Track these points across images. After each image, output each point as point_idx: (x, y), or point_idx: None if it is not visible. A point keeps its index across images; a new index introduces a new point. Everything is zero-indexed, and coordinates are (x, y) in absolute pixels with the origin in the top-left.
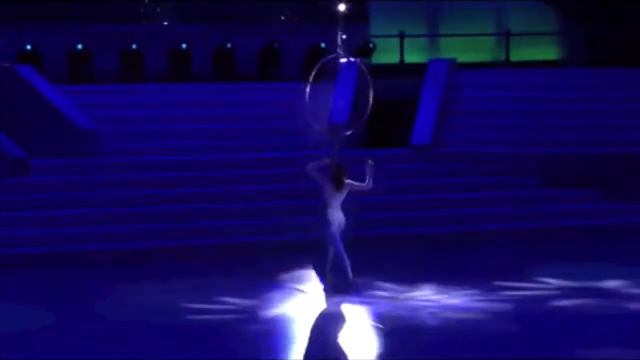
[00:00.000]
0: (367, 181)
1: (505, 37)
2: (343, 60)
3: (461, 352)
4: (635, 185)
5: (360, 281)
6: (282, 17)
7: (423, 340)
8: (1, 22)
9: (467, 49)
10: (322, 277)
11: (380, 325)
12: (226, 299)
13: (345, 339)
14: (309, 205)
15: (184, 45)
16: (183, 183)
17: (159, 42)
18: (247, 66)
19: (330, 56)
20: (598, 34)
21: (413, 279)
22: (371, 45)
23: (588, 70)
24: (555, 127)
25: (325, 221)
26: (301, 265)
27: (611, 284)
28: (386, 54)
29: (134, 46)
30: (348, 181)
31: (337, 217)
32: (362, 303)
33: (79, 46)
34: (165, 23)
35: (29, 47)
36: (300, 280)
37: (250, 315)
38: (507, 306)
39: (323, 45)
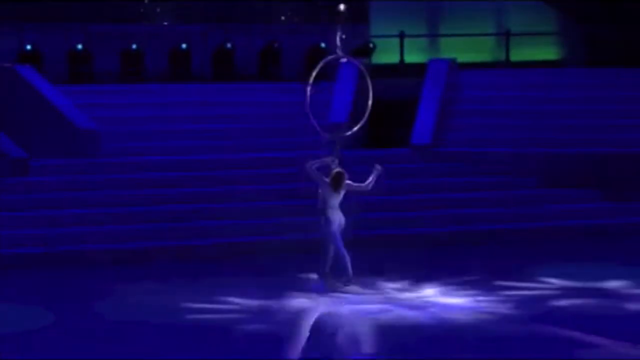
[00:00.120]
0: (368, 181)
1: (505, 37)
2: (343, 60)
3: (461, 352)
4: (635, 185)
5: (360, 281)
6: (282, 17)
7: (423, 340)
8: (1, 22)
9: (467, 49)
10: (322, 277)
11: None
12: (226, 299)
13: (345, 339)
14: (309, 205)
15: (184, 45)
16: (183, 183)
17: (159, 42)
18: (247, 66)
19: (330, 57)
20: (598, 34)
21: (413, 279)
22: (371, 45)
23: (588, 70)
24: (555, 127)
25: (325, 221)
26: (301, 265)
27: (611, 284)
28: (386, 54)
29: (134, 46)
30: (347, 182)
31: (336, 216)
32: (362, 303)
33: (79, 46)
34: (165, 23)
35: (29, 47)
36: (300, 280)
37: (251, 315)
38: (507, 306)
39: (323, 45)
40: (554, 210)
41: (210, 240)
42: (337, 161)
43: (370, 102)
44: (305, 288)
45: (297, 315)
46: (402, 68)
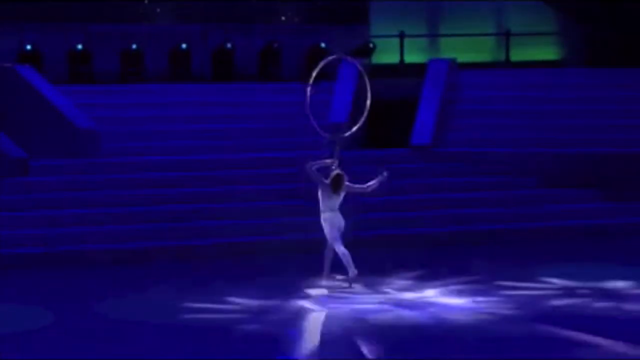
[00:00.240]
0: (368, 184)
1: (505, 37)
2: (343, 60)
3: (461, 352)
4: (635, 185)
5: (360, 281)
6: (282, 18)
7: (423, 340)
8: (1, 22)
9: (467, 49)
10: (324, 277)
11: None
12: (226, 299)
13: (345, 339)
14: (309, 205)
15: (184, 45)
16: (183, 183)
17: (159, 42)
18: (247, 66)
19: (330, 57)
20: (598, 34)
21: (413, 279)
22: (371, 45)
23: (588, 70)
24: (555, 127)
25: (324, 222)
26: (301, 265)
27: (611, 284)
28: (386, 54)
29: (134, 46)
30: (346, 183)
31: (336, 218)
32: (361, 303)
33: (79, 46)
34: (165, 23)
35: (29, 47)
36: (300, 280)
37: (250, 316)
38: (507, 306)
39: (323, 45)
40: (554, 210)
41: (210, 240)
42: (337, 162)
43: (368, 102)
44: (305, 288)
45: (297, 316)
46: (402, 68)
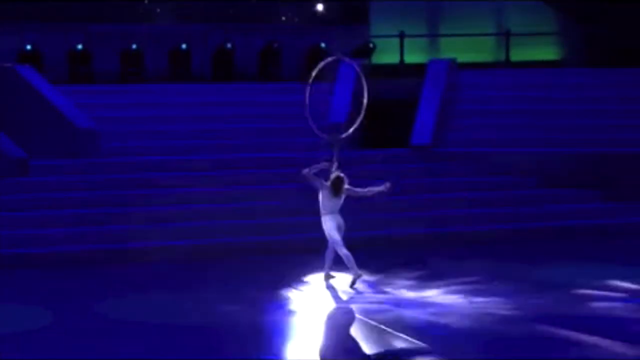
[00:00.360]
0: (369, 189)
1: (505, 37)
2: (342, 60)
3: (461, 352)
4: (635, 185)
5: (360, 281)
6: (282, 18)
7: (422, 340)
8: (1, 22)
9: (467, 49)
10: (325, 277)
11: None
12: (226, 299)
13: (345, 339)
14: (309, 206)
15: (184, 46)
16: (183, 183)
17: (159, 42)
18: (247, 66)
19: (330, 58)
20: (598, 34)
21: (413, 278)
22: (371, 45)
23: (588, 70)
24: (555, 127)
25: (325, 224)
26: (301, 265)
27: (611, 284)
28: (386, 54)
29: (134, 46)
30: (346, 186)
31: (336, 219)
32: (362, 303)
33: (79, 46)
34: (165, 23)
35: (29, 47)
36: (300, 280)
37: (250, 315)
38: (507, 306)
39: (323, 45)
40: (554, 210)
41: (210, 240)
42: (336, 164)
43: (365, 102)
44: (305, 288)
45: (298, 316)
46: (402, 68)
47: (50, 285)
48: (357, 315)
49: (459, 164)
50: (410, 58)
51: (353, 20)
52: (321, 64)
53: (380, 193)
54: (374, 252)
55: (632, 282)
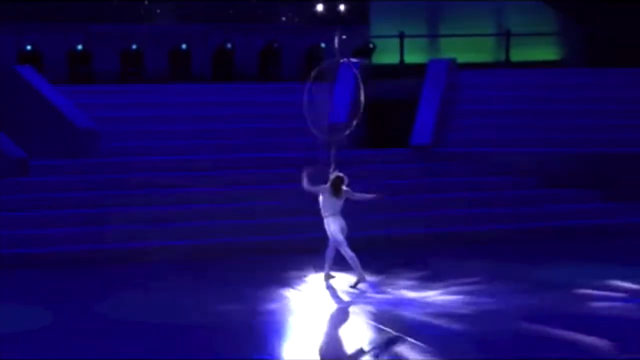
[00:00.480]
0: (365, 196)
1: (505, 37)
2: (342, 61)
3: (461, 352)
4: (635, 185)
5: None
6: (282, 18)
7: (422, 340)
8: (1, 22)
9: (467, 49)
10: (325, 276)
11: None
12: (226, 298)
13: (346, 339)
14: (309, 206)
15: (184, 46)
16: (183, 183)
17: (159, 42)
18: (247, 66)
19: (330, 60)
20: (598, 34)
21: (413, 278)
22: (371, 45)
23: (588, 70)
24: (555, 127)
25: (328, 226)
26: (301, 265)
27: (611, 284)
28: (386, 55)
29: (134, 46)
30: (346, 189)
31: (338, 220)
32: (362, 303)
33: (79, 46)
34: (165, 23)
35: (29, 47)
36: (300, 280)
37: (250, 315)
38: (507, 306)
39: (323, 45)
40: (554, 210)
41: (210, 240)
42: (334, 166)
43: (362, 102)
44: (305, 288)
45: (298, 316)
46: (402, 68)
47: (50, 285)
48: (357, 316)
49: (459, 164)
50: (410, 58)
51: (353, 20)
52: (322, 64)
53: (373, 200)
54: (374, 252)
55: (632, 282)
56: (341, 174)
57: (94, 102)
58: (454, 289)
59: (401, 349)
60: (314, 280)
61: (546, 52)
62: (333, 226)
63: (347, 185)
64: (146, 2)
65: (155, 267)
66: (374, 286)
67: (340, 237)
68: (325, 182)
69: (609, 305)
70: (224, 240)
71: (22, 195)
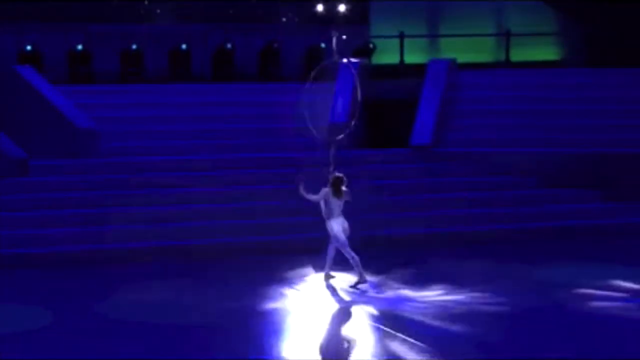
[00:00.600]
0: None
1: (505, 37)
2: (342, 61)
3: (461, 352)
4: (635, 185)
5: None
6: (282, 18)
7: (422, 340)
8: (1, 22)
9: (467, 49)
10: (325, 276)
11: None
12: (226, 298)
13: (345, 339)
14: (309, 206)
15: (184, 46)
16: (183, 183)
17: (159, 42)
18: (247, 66)
19: (330, 60)
20: (598, 34)
21: (413, 279)
22: (371, 45)
23: (588, 70)
24: (555, 127)
25: (330, 227)
26: (301, 265)
27: (611, 284)
28: (386, 55)
29: (134, 46)
30: (345, 189)
31: (340, 221)
32: (362, 303)
33: (79, 46)
34: (165, 23)
35: (29, 47)
36: (300, 280)
37: (250, 315)
38: (507, 306)
39: (323, 45)
40: (554, 210)
41: (209, 240)
42: (333, 166)
43: (359, 102)
44: (305, 288)
45: (298, 316)
46: (402, 68)
47: (50, 285)
48: (357, 315)
49: (459, 164)
50: (410, 58)
51: (353, 20)
52: (322, 65)
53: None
54: (374, 252)
55: (632, 282)
56: (340, 175)
57: (94, 102)
58: (454, 289)
59: (401, 349)
60: (314, 280)
61: (546, 52)
62: (335, 227)
63: (347, 186)
64: (146, 2)
65: (155, 267)
66: (374, 286)
67: (342, 238)
68: (323, 184)
69: (609, 305)
70: (224, 240)
71: (22, 195)
